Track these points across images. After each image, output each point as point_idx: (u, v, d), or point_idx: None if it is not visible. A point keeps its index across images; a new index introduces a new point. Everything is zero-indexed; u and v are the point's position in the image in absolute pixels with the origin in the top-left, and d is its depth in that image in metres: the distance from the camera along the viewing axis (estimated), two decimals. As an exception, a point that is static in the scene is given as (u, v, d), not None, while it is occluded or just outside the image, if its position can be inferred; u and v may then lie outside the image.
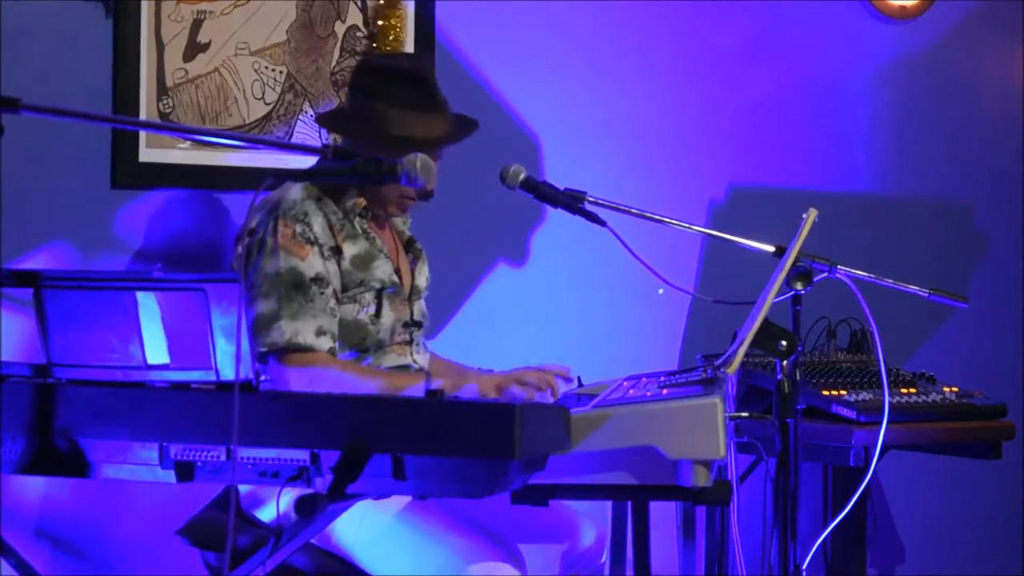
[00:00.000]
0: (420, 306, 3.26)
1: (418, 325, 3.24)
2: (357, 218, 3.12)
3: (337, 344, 3.00)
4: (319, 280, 2.99)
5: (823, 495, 3.97)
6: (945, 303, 3.45)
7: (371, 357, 3.09)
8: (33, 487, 3.37)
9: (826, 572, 3.88)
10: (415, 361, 3.18)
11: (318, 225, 3.03)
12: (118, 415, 2.18)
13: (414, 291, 3.24)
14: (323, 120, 3.38)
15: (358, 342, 3.07)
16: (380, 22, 3.76)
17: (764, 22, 4.36)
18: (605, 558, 3.22)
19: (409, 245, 3.30)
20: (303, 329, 2.94)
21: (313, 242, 3.00)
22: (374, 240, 3.13)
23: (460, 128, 3.22)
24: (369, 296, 3.08)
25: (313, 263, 2.99)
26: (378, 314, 3.08)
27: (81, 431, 2.20)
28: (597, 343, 4.07)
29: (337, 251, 3.05)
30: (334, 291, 3.01)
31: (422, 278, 3.29)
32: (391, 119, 3.08)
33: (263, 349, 2.95)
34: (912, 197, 4.58)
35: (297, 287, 2.96)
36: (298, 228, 3.00)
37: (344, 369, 2.95)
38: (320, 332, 2.95)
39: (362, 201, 3.13)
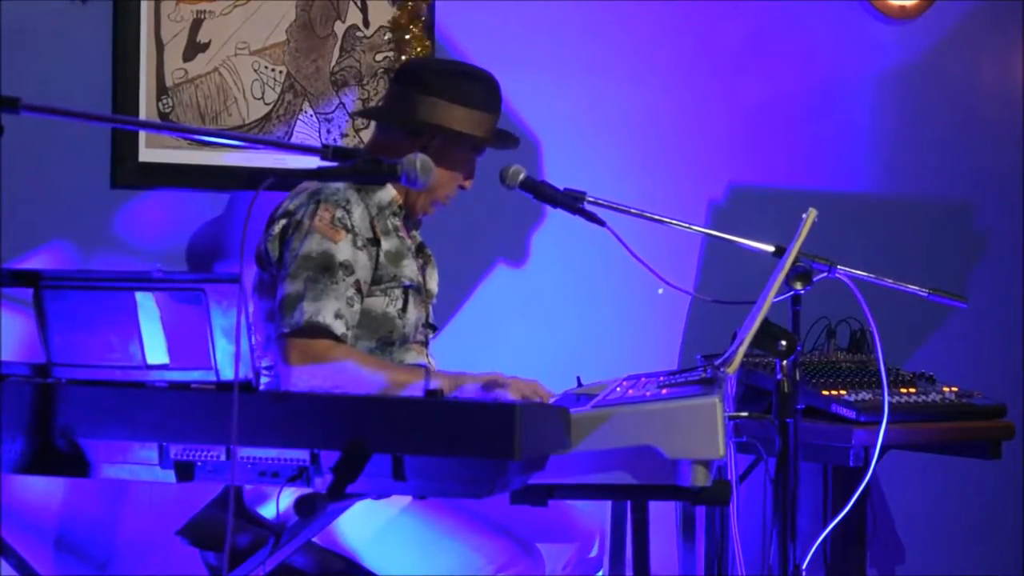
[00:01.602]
0: (431, 311, 3.28)
1: (432, 328, 3.26)
2: (391, 216, 3.14)
3: (351, 333, 3.01)
4: (345, 266, 3.00)
5: (823, 495, 3.97)
6: (945, 303, 3.45)
7: (394, 352, 3.11)
8: (33, 487, 3.37)
9: (826, 572, 3.88)
10: (431, 364, 3.19)
11: (358, 214, 3.05)
12: (118, 415, 2.18)
13: (427, 294, 3.26)
14: (364, 112, 3.42)
15: (385, 335, 3.09)
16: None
17: (764, 22, 4.36)
18: (599, 555, 3.22)
19: (419, 250, 3.30)
20: (324, 308, 2.95)
21: (349, 229, 3.02)
22: (403, 239, 3.16)
23: (505, 136, 3.26)
24: (398, 291, 3.10)
25: (344, 248, 3.00)
26: (404, 309, 3.10)
27: (81, 431, 2.20)
28: (597, 343, 4.07)
29: (375, 242, 3.08)
30: (357, 281, 3.02)
31: (433, 282, 3.30)
32: (440, 110, 3.10)
33: (285, 330, 2.96)
34: (912, 197, 4.58)
35: (325, 269, 2.98)
36: (338, 213, 3.02)
37: (346, 358, 2.96)
38: (338, 315, 2.97)
39: (399, 198, 3.15)
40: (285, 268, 3.01)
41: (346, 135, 3.75)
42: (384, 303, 3.08)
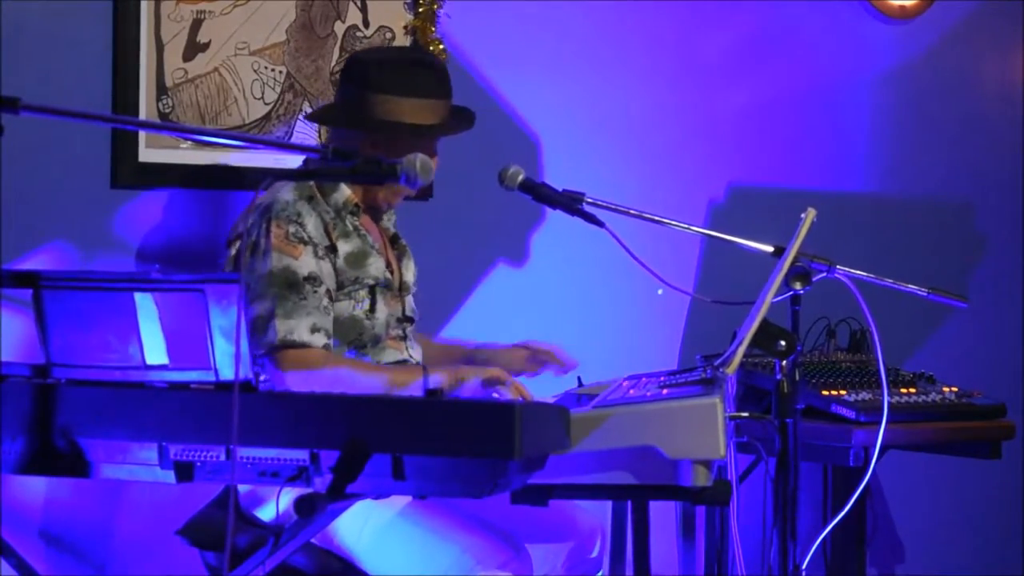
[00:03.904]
0: (410, 302, 3.28)
1: (410, 320, 3.25)
2: (349, 216, 3.13)
3: (333, 342, 3.01)
4: (312, 279, 3.00)
5: (823, 495, 3.97)
6: (945, 303, 3.45)
7: (368, 353, 3.10)
8: (33, 487, 3.37)
9: (826, 572, 3.88)
10: (411, 356, 3.20)
11: (311, 225, 3.04)
12: (118, 415, 2.18)
13: (403, 287, 3.26)
14: (314, 116, 3.43)
15: (355, 338, 3.09)
16: (419, 37, 3.78)
17: (764, 22, 4.36)
18: (599, 555, 3.22)
19: (394, 241, 3.31)
20: (297, 327, 2.95)
21: (307, 242, 3.01)
22: (365, 237, 3.15)
23: (457, 120, 3.23)
24: (363, 292, 3.09)
25: (306, 262, 3.00)
26: (372, 309, 3.10)
27: (80, 431, 2.20)
28: (597, 343, 4.06)
29: (332, 249, 3.07)
30: (327, 290, 3.02)
31: (409, 273, 3.30)
32: (381, 105, 3.10)
33: (260, 351, 2.96)
34: (912, 197, 4.58)
35: (291, 286, 2.97)
36: (291, 228, 3.01)
37: (340, 365, 2.96)
38: (314, 329, 2.96)
39: (353, 197, 3.14)
40: (250, 291, 2.99)
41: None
42: (350, 307, 3.08)
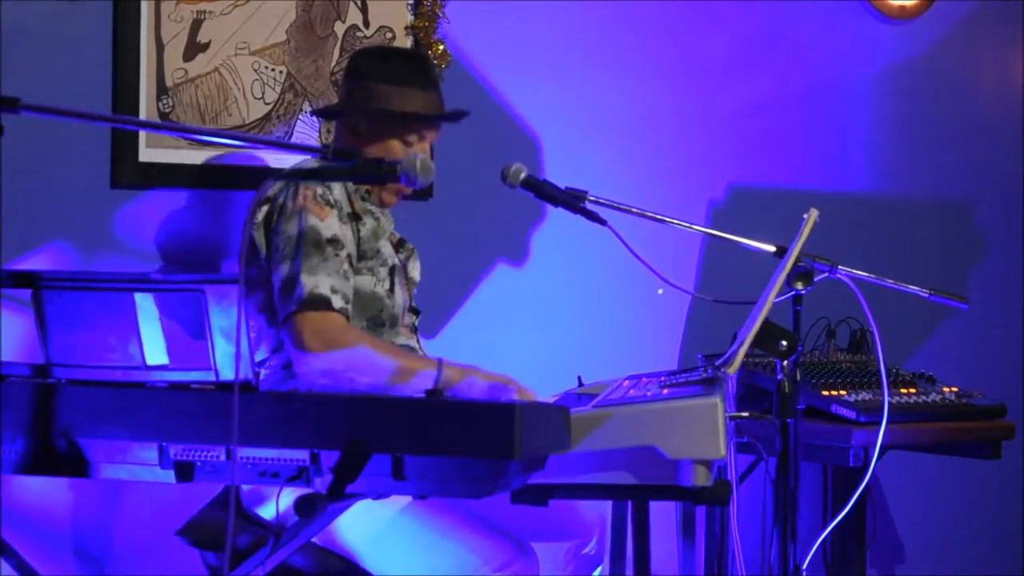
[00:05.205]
0: (414, 297, 3.31)
1: (416, 313, 3.29)
2: (360, 200, 3.17)
3: (350, 307, 3.02)
4: (334, 241, 3.02)
5: (823, 495, 3.97)
6: (945, 303, 3.45)
7: (385, 333, 3.13)
8: (33, 487, 3.37)
9: (826, 572, 3.88)
10: (420, 347, 3.23)
11: (338, 189, 3.09)
12: (118, 415, 2.18)
13: (409, 281, 3.29)
14: (320, 112, 3.50)
15: (375, 314, 3.11)
16: (419, 35, 3.79)
17: (764, 22, 4.36)
18: (597, 550, 3.22)
19: (400, 245, 3.32)
20: (321, 283, 2.96)
21: (333, 204, 3.05)
22: (379, 220, 3.18)
23: (450, 112, 3.27)
24: (384, 271, 3.12)
25: (331, 224, 3.03)
26: (392, 290, 3.12)
27: (81, 431, 2.20)
28: (597, 343, 4.06)
29: (355, 217, 3.11)
30: (348, 255, 3.04)
31: (415, 272, 3.34)
32: (383, 94, 3.15)
33: (292, 308, 2.95)
34: (912, 197, 4.58)
35: (316, 245, 3.00)
36: (319, 190, 3.05)
37: (360, 341, 2.95)
38: (334, 290, 2.97)
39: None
40: (277, 252, 3.02)
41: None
42: (372, 282, 3.10)
